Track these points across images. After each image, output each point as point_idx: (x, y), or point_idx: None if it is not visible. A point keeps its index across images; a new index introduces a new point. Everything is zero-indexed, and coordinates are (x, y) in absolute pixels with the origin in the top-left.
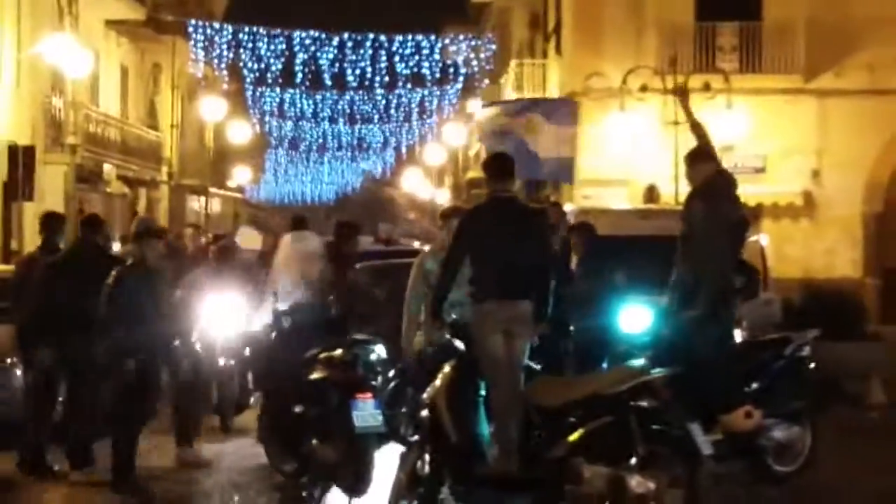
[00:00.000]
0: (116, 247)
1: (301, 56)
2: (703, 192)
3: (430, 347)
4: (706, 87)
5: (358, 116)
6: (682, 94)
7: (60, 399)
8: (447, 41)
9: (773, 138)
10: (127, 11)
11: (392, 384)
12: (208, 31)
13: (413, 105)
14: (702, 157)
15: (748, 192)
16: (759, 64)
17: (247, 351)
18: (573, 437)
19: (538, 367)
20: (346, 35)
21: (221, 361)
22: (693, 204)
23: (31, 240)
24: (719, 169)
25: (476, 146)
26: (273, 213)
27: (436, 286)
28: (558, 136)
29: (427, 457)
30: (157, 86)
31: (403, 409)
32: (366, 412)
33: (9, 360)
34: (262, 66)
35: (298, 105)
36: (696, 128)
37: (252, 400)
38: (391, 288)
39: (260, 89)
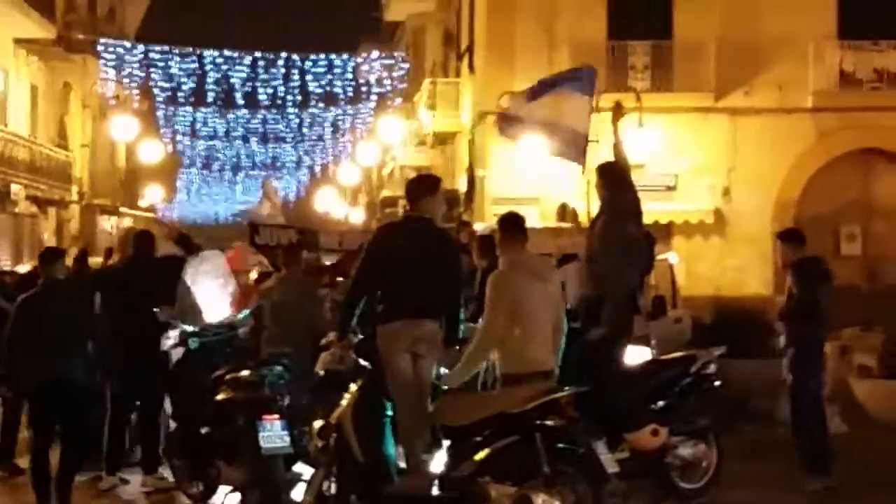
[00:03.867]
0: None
1: (213, 75)
2: (606, 209)
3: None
4: (618, 107)
5: (271, 136)
6: (617, 110)
7: None
8: (360, 60)
9: (685, 156)
10: (37, 30)
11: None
12: (119, 49)
13: (327, 124)
14: (602, 172)
15: (659, 209)
16: (670, 83)
17: None
18: (479, 455)
19: (445, 387)
20: (258, 54)
21: None
22: (597, 223)
23: None
24: (620, 185)
25: (390, 165)
26: (190, 231)
27: (343, 302)
28: (574, 107)
29: (334, 478)
30: (68, 105)
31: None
32: (273, 433)
33: None
34: (174, 84)
35: (211, 124)
36: (616, 146)
37: None
38: None
39: (172, 108)
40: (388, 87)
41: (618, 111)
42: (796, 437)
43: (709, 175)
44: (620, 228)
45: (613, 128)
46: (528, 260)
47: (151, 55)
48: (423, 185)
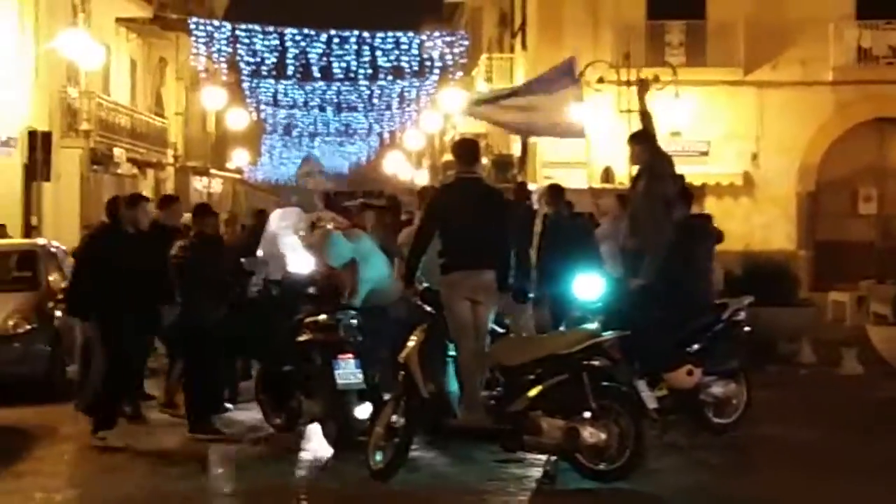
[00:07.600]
0: None
1: (292, 51)
2: (646, 172)
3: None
4: (655, 80)
5: (344, 105)
6: (642, 85)
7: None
8: (424, 37)
9: (716, 125)
10: (135, 10)
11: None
12: (209, 28)
13: (394, 95)
14: (642, 139)
15: (693, 172)
16: (703, 58)
17: None
18: (532, 392)
19: (501, 330)
20: (332, 32)
21: None
22: (637, 184)
23: (48, 216)
24: (658, 151)
25: (451, 132)
26: (273, 190)
27: (407, 256)
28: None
29: (401, 411)
30: (163, 77)
31: None
32: (347, 371)
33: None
34: (258, 59)
35: (291, 95)
36: (644, 116)
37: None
38: None
39: (256, 80)
40: (450, 62)
41: (643, 86)
42: None
43: (738, 142)
44: (661, 189)
45: (640, 101)
46: None
47: (238, 33)
48: (471, 148)
